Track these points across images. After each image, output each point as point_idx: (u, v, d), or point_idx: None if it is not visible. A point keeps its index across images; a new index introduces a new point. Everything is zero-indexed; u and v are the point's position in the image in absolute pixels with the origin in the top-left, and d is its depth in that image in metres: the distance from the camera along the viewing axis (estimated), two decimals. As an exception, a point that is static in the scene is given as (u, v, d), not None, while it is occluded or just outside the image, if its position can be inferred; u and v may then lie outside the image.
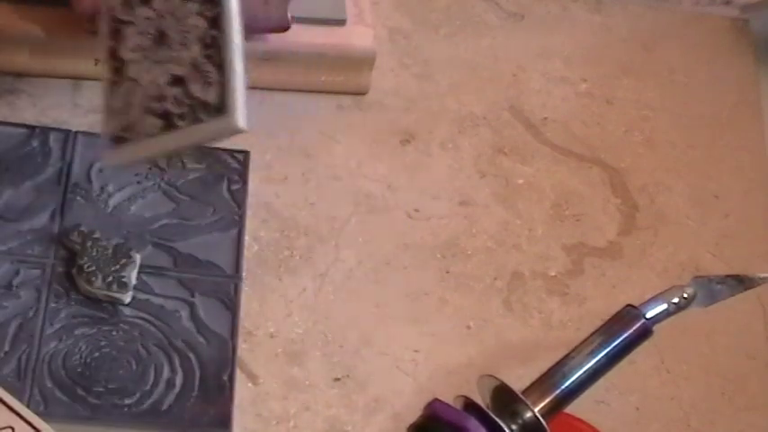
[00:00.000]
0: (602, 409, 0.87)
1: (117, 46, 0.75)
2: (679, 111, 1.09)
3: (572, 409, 0.74)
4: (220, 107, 0.72)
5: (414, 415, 0.72)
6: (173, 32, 0.74)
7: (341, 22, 0.97)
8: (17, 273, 0.82)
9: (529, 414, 0.70)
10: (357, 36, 0.97)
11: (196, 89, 0.73)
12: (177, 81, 0.73)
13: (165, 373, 0.81)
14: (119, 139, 0.73)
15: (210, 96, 0.72)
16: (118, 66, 0.74)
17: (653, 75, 1.11)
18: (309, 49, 0.96)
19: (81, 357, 0.80)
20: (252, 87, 0.97)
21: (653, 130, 1.07)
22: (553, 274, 0.95)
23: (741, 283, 0.79)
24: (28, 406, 0.75)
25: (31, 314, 0.80)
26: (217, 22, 0.74)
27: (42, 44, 0.91)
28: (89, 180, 0.88)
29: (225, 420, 0.80)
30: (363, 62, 0.98)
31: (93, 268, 0.81)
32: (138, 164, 0.83)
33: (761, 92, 1.12)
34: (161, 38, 0.74)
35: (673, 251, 0.99)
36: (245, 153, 0.92)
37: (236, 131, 0.73)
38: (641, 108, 1.08)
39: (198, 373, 0.81)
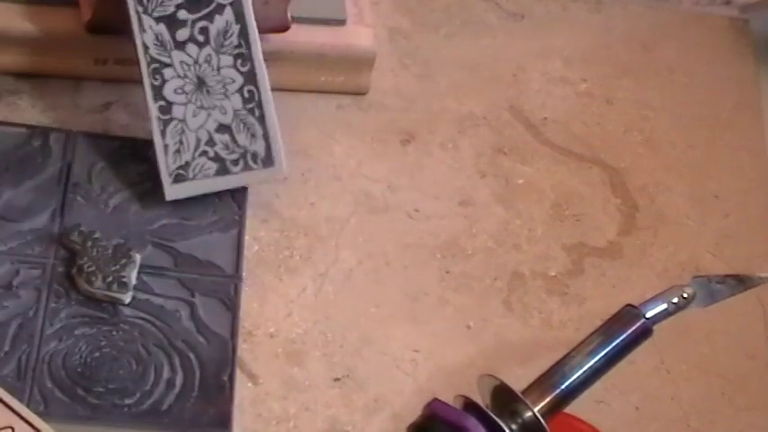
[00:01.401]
0: (602, 408, 0.87)
1: (160, 86, 0.83)
2: (679, 111, 1.09)
3: (572, 408, 0.74)
4: (268, 158, 0.85)
5: (413, 415, 0.72)
6: (211, 81, 0.83)
7: (341, 22, 0.97)
8: (17, 273, 0.82)
9: (528, 414, 0.70)
10: (357, 36, 0.97)
11: (243, 139, 0.84)
12: (223, 128, 0.84)
13: (165, 373, 0.81)
14: (178, 177, 0.84)
15: (258, 147, 0.85)
16: (164, 105, 0.83)
17: (653, 75, 1.11)
18: (309, 49, 0.96)
19: (81, 357, 0.80)
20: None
21: (653, 130, 1.07)
22: (553, 274, 0.95)
23: (741, 283, 0.79)
24: (28, 406, 0.75)
25: (31, 314, 0.80)
26: (252, 77, 0.84)
27: (42, 44, 0.91)
28: (89, 180, 0.88)
29: (225, 420, 0.80)
30: (363, 62, 0.98)
31: (93, 268, 0.81)
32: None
33: (761, 92, 1.12)
34: (201, 84, 0.83)
35: (673, 251, 0.99)
36: (245, 153, 0.93)
37: (280, 178, 0.88)
38: (641, 108, 1.08)
39: (198, 373, 0.81)
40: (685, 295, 0.75)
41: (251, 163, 0.85)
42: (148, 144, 0.90)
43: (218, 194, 0.89)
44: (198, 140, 0.83)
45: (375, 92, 1.01)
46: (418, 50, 1.06)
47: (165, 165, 0.84)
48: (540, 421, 0.70)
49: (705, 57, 1.14)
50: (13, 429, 0.72)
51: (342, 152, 0.97)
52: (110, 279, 0.81)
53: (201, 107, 0.83)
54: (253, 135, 0.84)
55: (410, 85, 1.03)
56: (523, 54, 1.08)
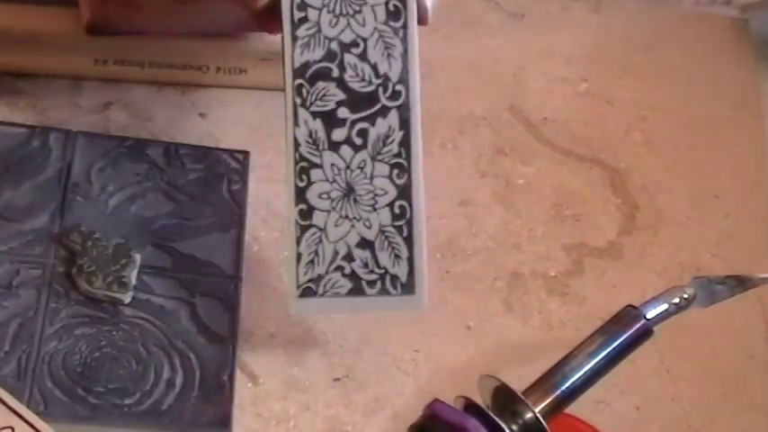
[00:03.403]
0: (602, 409, 0.87)
1: (305, 188, 0.75)
2: (679, 111, 1.09)
3: (572, 409, 0.74)
4: (409, 285, 0.76)
5: (414, 415, 0.72)
6: (361, 190, 0.75)
7: (341, 22, 0.96)
8: (17, 273, 0.82)
9: (529, 414, 0.70)
10: (357, 36, 0.97)
11: (385, 260, 0.76)
12: (365, 244, 0.76)
13: (165, 373, 0.80)
14: (306, 291, 0.76)
15: (400, 272, 0.76)
16: (305, 209, 0.75)
17: (653, 75, 1.11)
18: (310, 49, 0.95)
19: (81, 357, 0.80)
20: (252, 87, 0.98)
21: (653, 130, 1.07)
22: (553, 274, 0.95)
23: (741, 283, 0.79)
24: (28, 406, 0.75)
25: (31, 314, 0.80)
26: (406, 192, 0.76)
27: (42, 44, 0.91)
28: (89, 180, 0.88)
29: (225, 420, 0.79)
30: (364, 62, 0.98)
31: (93, 268, 0.81)
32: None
33: (761, 92, 1.12)
34: (349, 192, 0.75)
35: (673, 251, 0.99)
36: (245, 153, 0.92)
37: (419, 309, 0.78)
38: (641, 108, 1.08)
39: (198, 373, 0.81)
40: (686, 296, 0.75)
41: (389, 287, 0.76)
42: (148, 144, 0.91)
43: (218, 194, 0.89)
44: (335, 253, 0.75)
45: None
46: (418, 50, 1.05)
47: (296, 275, 0.76)
48: (540, 422, 0.70)
49: (705, 57, 1.14)
50: (12, 429, 0.72)
51: (342, 152, 0.97)
52: (110, 279, 0.81)
53: (345, 217, 0.75)
54: (397, 256, 0.76)
55: (410, 85, 1.03)
56: (523, 54, 1.08)
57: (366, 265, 0.76)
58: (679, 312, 0.75)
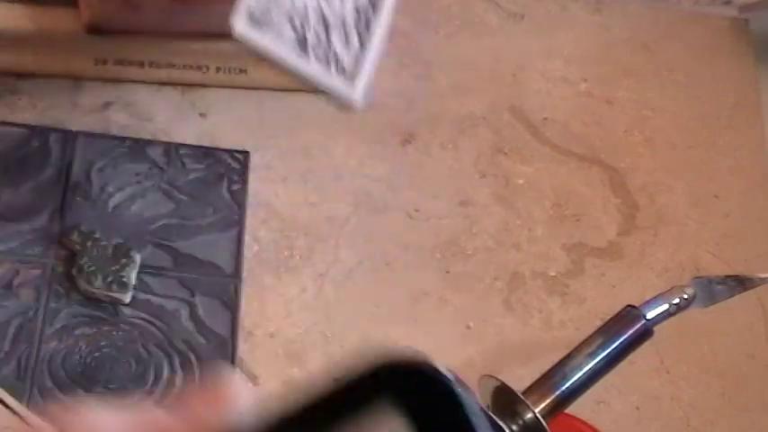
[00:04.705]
0: (602, 409, 0.87)
1: None
2: (679, 111, 1.09)
3: (572, 409, 0.74)
4: (350, 73, 0.75)
5: (414, 415, 0.72)
6: None
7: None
8: (17, 273, 0.82)
9: (529, 414, 0.70)
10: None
11: (337, 40, 0.74)
12: (322, 16, 0.74)
13: (165, 373, 0.80)
14: (253, 20, 0.72)
15: (347, 56, 0.74)
16: None
17: (653, 75, 1.11)
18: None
19: (81, 357, 0.80)
20: (252, 87, 0.98)
21: (653, 130, 1.07)
22: (553, 274, 0.95)
23: (741, 283, 0.79)
24: (28, 406, 0.75)
25: (30, 314, 0.80)
26: (376, 4, 0.75)
27: (42, 44, 0.91)
28: (89, 180, 0.88)
29: (225, 420, 0.79)
30: (363, 62, 0.98)
31: (93, 268, 0.81)
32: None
33: (761, 92, 1.12)
34: None
35: (673, 251, 0.99)
36: (245, 153, 0.92)
37: (349, 103, 0.75)
38: (641, 108, 1.08)
39: (198, 374, 0.81)
40: (686, 296, 0.74)
41: (332, 64, 0.73)
42: (148, 144, 0.91)
43: (218, 194, 0.89)
44: (293, 4, 0.72)
45: (375, 92, 1.01)
46: (418, 50, 1.06)
47: (248, 2, 0.71)
48: (540, 422, 0.70)
49: (705, 57, 1.14)
50: (12, 430, 0.72)
51: (342, 152, 0.97)
52: (110, 279, 0.81)
53: None
54: (347, 41, 0.74)
55: (410, 86, 1.03)
56: (523, 54, 1.08)
57: (317, 35, 0.74)
58: (679, 312, 0.75)
